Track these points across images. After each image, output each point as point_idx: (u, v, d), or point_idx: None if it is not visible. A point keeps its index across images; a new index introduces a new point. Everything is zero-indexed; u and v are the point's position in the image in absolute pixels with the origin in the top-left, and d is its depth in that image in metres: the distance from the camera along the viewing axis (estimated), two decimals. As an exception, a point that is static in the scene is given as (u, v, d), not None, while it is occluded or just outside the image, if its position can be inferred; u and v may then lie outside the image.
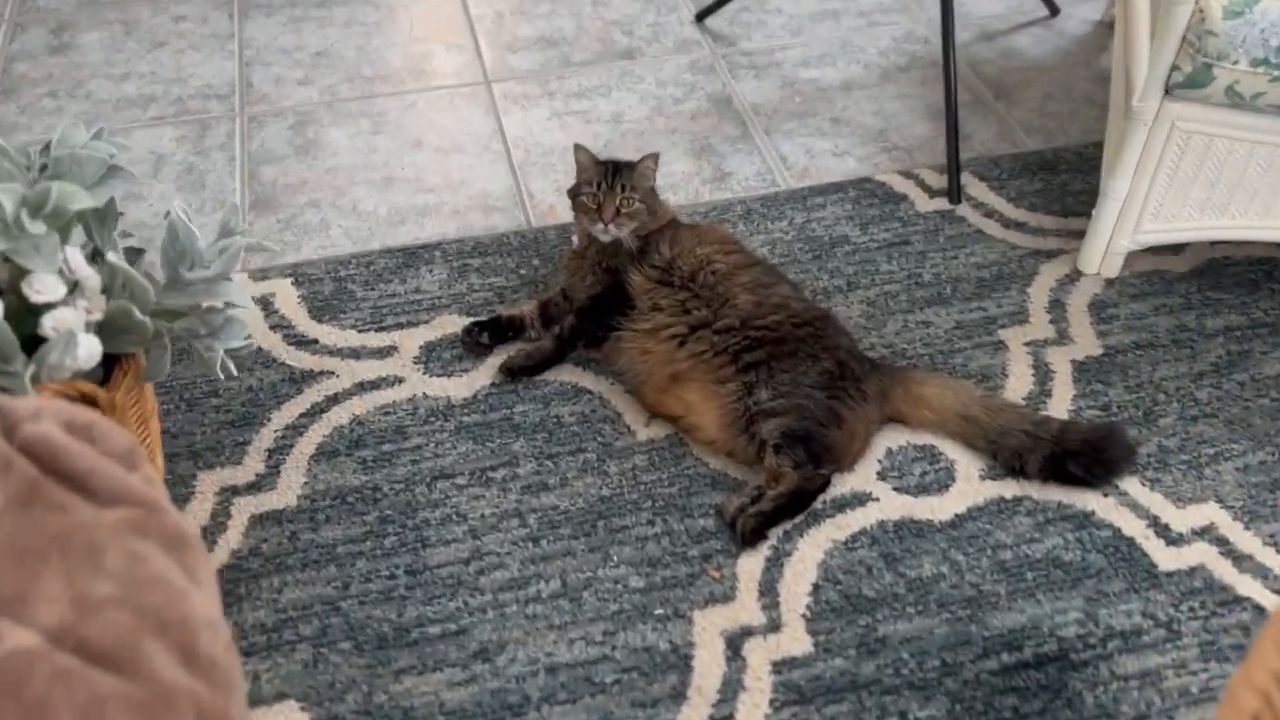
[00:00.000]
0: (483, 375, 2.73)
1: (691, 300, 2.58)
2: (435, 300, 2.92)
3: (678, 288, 2.59)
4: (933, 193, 3.23)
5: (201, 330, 1.90)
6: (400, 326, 2.83)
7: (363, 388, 2.65)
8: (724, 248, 2.68)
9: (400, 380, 2.70)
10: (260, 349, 2.64)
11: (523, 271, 2.99)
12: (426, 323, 2.85)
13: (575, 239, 2.85)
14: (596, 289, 2.60)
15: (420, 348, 2.79)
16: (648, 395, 2.61)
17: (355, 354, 2.71)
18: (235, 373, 1.99)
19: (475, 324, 2.75)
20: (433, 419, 2.61)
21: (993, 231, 3.10)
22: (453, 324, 2.85)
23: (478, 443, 2.55)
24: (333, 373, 2.59)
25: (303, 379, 2.57)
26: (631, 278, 2.56)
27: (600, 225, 2.53)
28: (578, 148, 2.58)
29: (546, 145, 3.25)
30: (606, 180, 2.52)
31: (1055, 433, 2.26)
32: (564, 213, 3.11)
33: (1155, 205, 2.61)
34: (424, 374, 2.72)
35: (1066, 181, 3.15)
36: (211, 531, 2.28)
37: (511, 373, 2.66)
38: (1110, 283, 2.82)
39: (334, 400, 2.54)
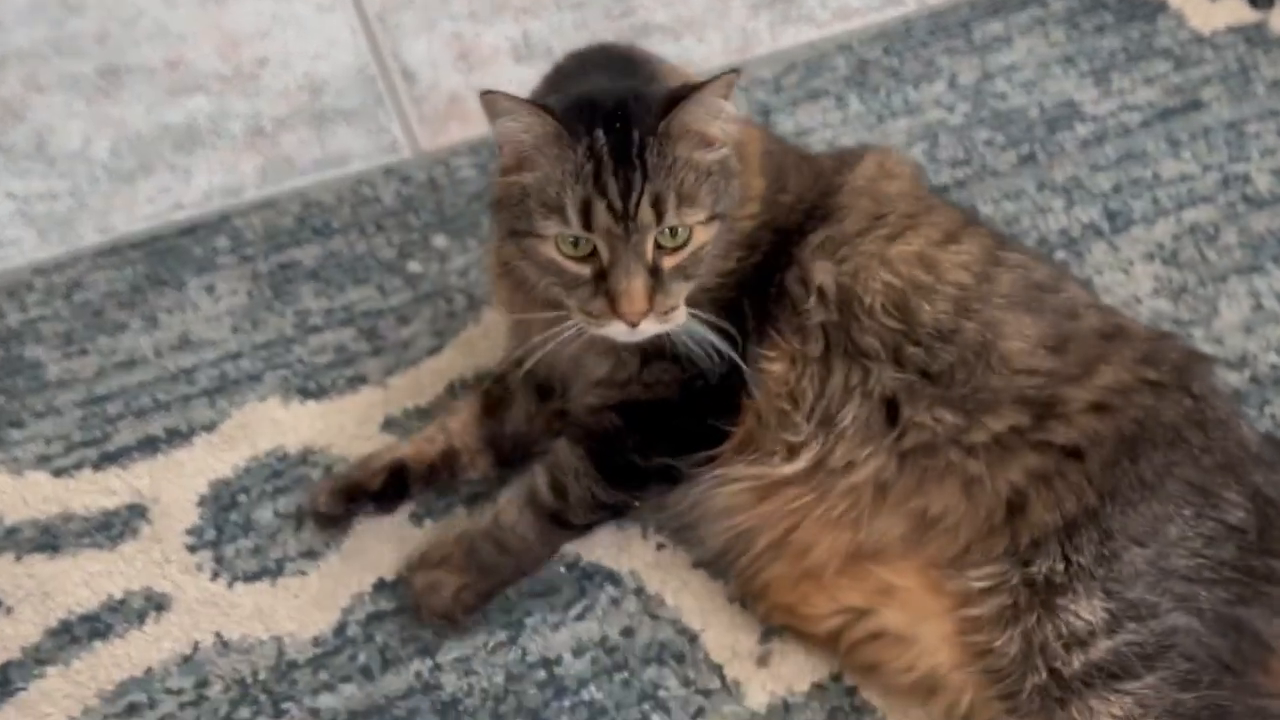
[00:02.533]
0: (355, 567, 1.15)
1: (898, 378, 1.03)
2: (224, 366, 1.30)
3: (855, 355, 1.05)
4: (1212, -12, 1.59)
5: None
6: (145, 450, 1.23)
7: (60, 636, 1.10)
8: (936, 222, 1.10)
9: (159, 604, 1.13)
10: None
11: (421, 284, 1.36)
12: (208, 430, 1.24)
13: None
14: (639, 392, 1.11)
15: (196, 503, 1.19)
16: (777, 586, 1.10)
17: (34, 542, 1.18)
18: None
19: (345, 483, 1.17)
20: (245, 704, 1.07)
21: (1355, 61, 1.51)
22: (270, 430, 1.24)
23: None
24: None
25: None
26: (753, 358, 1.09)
27: (616, 323, 1.00)
28: (492, 98, 0.98)
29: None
30: (610, 178, 0.97)
31: None
32: (476, 111, 1.45)
33: None
34: (212, 577, 1.15)
35: None
36: None
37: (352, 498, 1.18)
38: None
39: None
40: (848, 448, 1.03)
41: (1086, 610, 0.95)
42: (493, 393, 1.20)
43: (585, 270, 0.97)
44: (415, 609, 1.11)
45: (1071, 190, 1.43)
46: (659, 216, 0.95)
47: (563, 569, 1.16)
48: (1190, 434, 1.01)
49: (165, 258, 1.38)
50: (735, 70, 0.96)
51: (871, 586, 1.04)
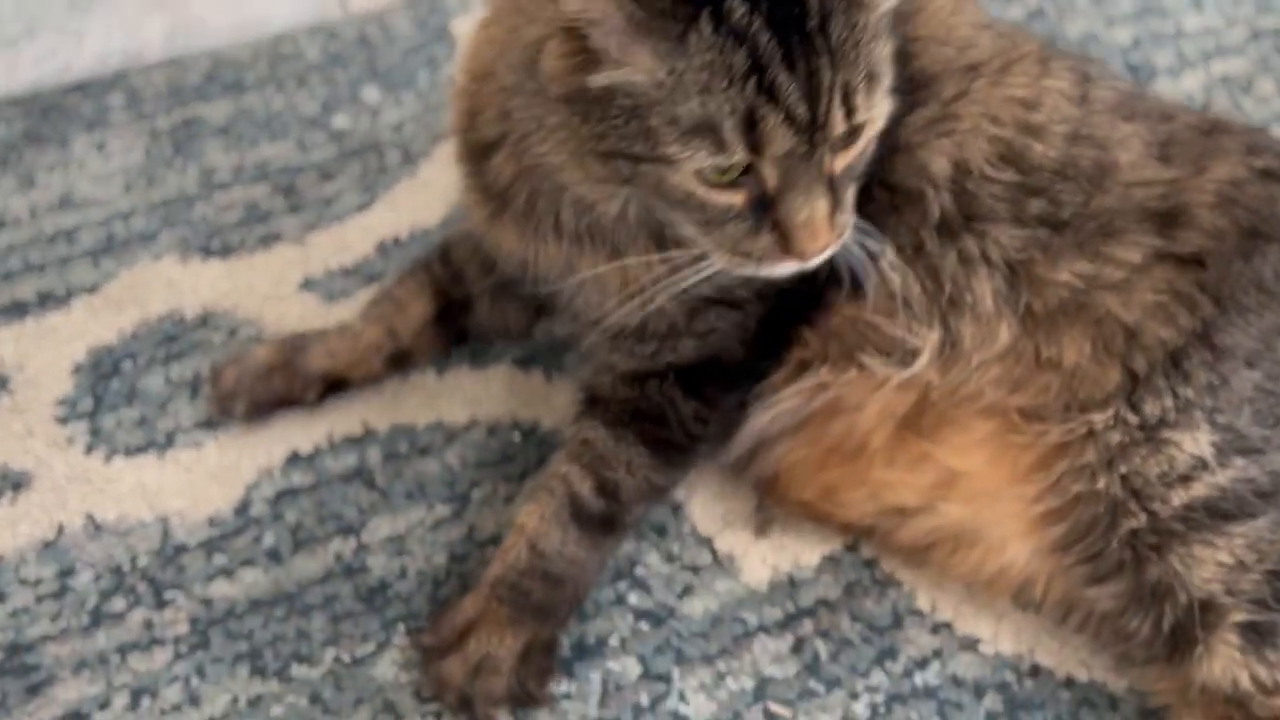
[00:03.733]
0: (263, 438, 0.94)
1: (1019, 235, 0.82)
2: (112, 226, 1.09)
3: (969, 228, 0.82)
4: None
5: None
6: (10, 315, 1.04)
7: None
8: (1025, 51, 0.87)
9: (17, 483, 0.92)
10: None
11: (349, 140, 1.18)
12: (90, 293, 1.03)
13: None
14: (692, 348, 0.86)
15: (71, 371, 0.98)
16: (794, 476, 0.89)
17: None
18: None
19: (267, 395, 0.95)
20: (119, 594, 0.85)
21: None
22: (164, 291, 1.04)
23: (256, 669, 0.83)
24: None
25: None
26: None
27: (787, 262, 0.72)
28: None
29: None
30: (783, 73, 0.66)
31: None
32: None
33: None
34: (85, 451, 0.94)
35: None
36: None
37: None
38: None
39: None
40: (975, 329, 0.82)
41: (1190, 443, 0.77)
42: (453, 294, 0.98)
43: (737, 199, 0.69)
44: (460, 708, 0.82)
45: (1087, 44, 1.27)
46: (849, 113, 0.68)
47: (517, 436, 0.96)
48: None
49: (49, 115, 1.18)
50: None
51: (928, 479, 0.84)
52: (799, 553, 0.90)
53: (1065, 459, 0.81)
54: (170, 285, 1.05)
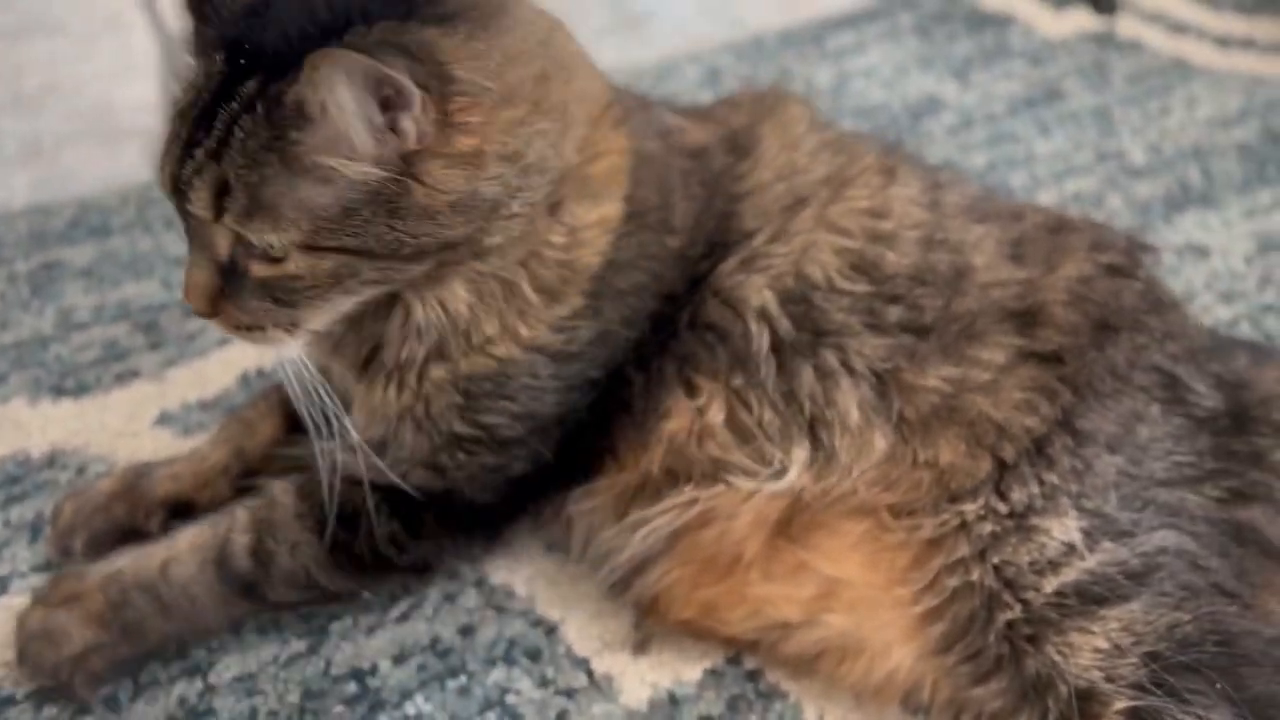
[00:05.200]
0: (101, 577, 0.88)
1: (880, 344, 0.83)
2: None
3: (822, 342, 0.83)
4: (1055, 3, 1.59)
5: None
6: None
7: None
8: (867, 165, 0.91)
9: None
10: None
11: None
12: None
13: None
14: (421, 474, 0.85)
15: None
16: (673, 596, 0.85)
17: None
18: None
19: (107, 525, 0.88)
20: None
21: (1205, 59, 1.49)
22: (10, 433, 0.99)
23: None
24: None
25: None
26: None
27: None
28: None
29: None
30: (185, 127, 0.71)
31: None
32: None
33: None
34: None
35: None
36: None
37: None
38: None
39: None
40: (848, 440, 0.81)
41: (1059, 529, 0.76)
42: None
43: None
44: (18, 657, 0.80)
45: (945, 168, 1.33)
46: (217, 211, 0.68)
47: (381, 563, 0.91)
48: (1149, 319, 0.86)
49: (-101, 263, 1.14)
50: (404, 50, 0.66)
51: (807, 591, 0.81)
52: (680, 669, 0.85)
53: (939, 554, 0.79)
54: (17, 427, 0.99)
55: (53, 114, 1.37)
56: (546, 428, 0.83)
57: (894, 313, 0.83)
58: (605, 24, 1.58)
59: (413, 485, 0.82)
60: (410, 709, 0.82)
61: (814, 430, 0.82)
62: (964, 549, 0.78)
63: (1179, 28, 1.58)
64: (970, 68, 1.49)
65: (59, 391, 1.02)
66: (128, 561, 0.81)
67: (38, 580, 0.88)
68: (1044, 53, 1.53)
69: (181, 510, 0.89)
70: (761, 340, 0.82)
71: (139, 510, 0.88)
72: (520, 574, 0.91)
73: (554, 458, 0.84)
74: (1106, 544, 0.76)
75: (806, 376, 0.82)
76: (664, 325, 0.84)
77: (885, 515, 0.81)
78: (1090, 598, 0.75)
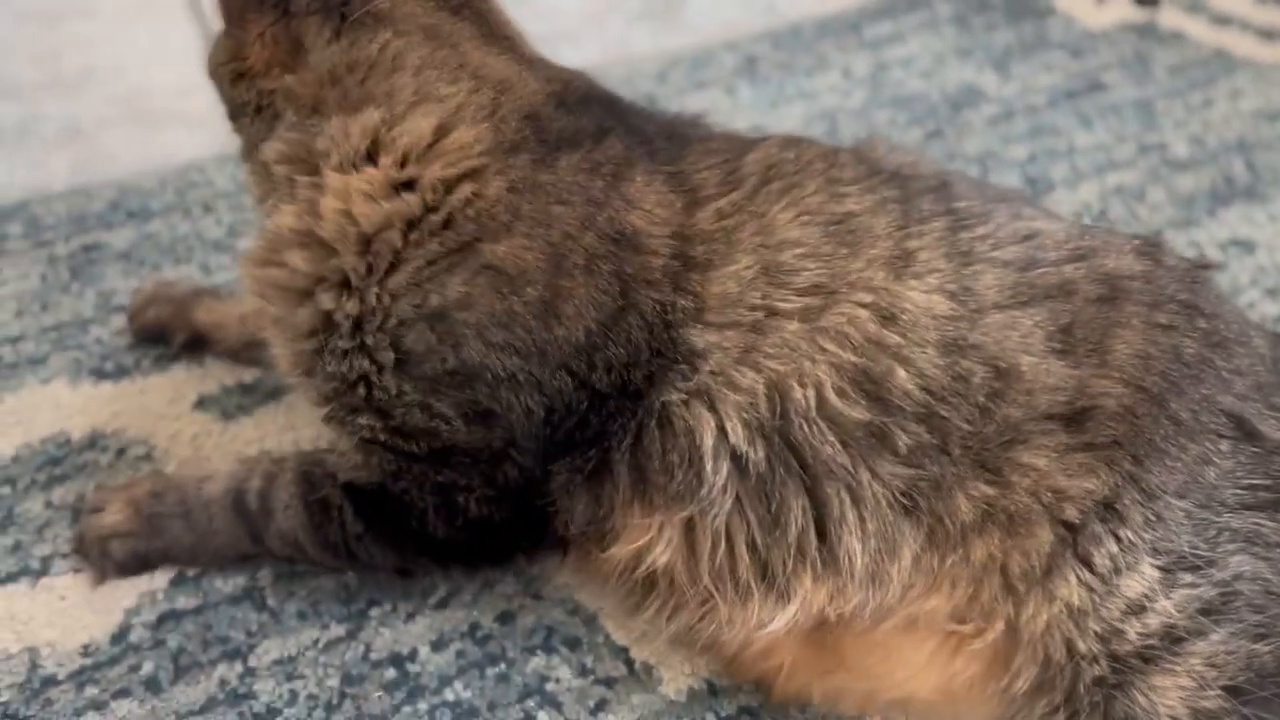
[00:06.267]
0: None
1: (900, 473, 0.75)
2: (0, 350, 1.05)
3: (815, 473, 0.76)
4: (1097, -6, 1.57)
5: None
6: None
7: None
8: (874, 236, 0.79)
9: None
10: None
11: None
12: (-32, 418, 0.99)
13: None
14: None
15: (-58, 499, 0.92)
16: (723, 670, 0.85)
17: None
18: None
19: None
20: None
21: (1248, 51, 1.47)
22: (51, 414, 0.99)
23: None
24: None
25: None
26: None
27: None
28: None
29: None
30: None
31: None
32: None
33: None
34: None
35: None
36: None
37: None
38: None
39: None
40: (864, 576, 0.75)
41: (1137, 578, 0.74)
42: None
43: None
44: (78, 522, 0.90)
45: (985, 160, 1.32)
46: None
47: (420, 549, 0.91)
48: (1212, 363, 0.80)
49: (-60, 244, 1.15)
50: None
51: (878, 703, 0.80)
52: (719, 660, 0.85)
53: (1022, 650, 0.75)
54: (57, 408, 1.00)
55: (92, 96, 1.38)
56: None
57: (909, 437, 0.74)
58: (638, 9, 1.57)
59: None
60: (449, 695, 0.82)
61: (818, 563, 0.76)
62: (1058, 636, 0.74)
63: (1222, 19, 1.56)
64: (1010, 58, 1.48)
65: (99, 374, 1.03)
66: (178, 468, 0.89)
67: (78, 561, 0.89)
68: (1085, 44, 1.51)
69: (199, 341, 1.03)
70: (717, 474, 0.75)
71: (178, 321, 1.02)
72: (557, 560, 0.90)
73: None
74: (1185, 578, 0.74)
75: (796, 502, 0.75)
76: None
77: (949, 625, 0.76)
78: (1173, 638, 0.73)
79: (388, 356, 0.76)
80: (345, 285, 0.77)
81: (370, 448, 0.81)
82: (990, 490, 0.74)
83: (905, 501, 0.74)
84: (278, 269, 0.80)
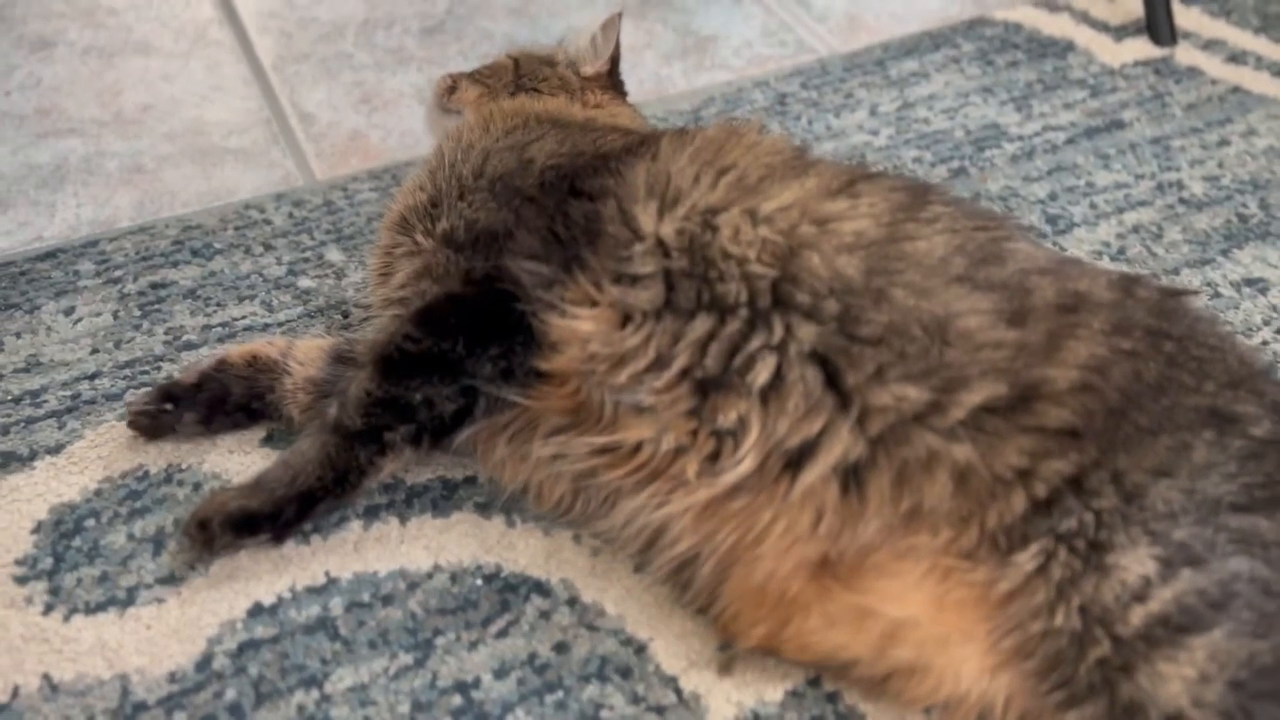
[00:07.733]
0: (225, 591, 0.94)
1: (819, 330, 0.89)
2: (78, 387, 1.12)
3: (733, 307, 0.91)
4: (1115, 32, 1.62)
5: None
6: (-29, 477, 1.03)
7: None
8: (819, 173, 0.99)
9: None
10: None
11: (314, 299, 1.22)
12: (53, 453, 1.05)
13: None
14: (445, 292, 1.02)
15: (31, 530, 0.99)
16: (737, 605, 0.91)
17: None
18: None
19: (164, 388, 1.06)
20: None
21: (1263, 88, 1.52)
22: (129, 450, 1.06)
23: None
24: None
25: None
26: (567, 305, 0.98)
27: None
28: None
29: (325, 21, 1.41)
30: None
31: None
32: (379, 145, 1.36)
33: None
34: (44, 611, 0.94)
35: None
36: None
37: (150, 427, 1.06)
38: None
39: None
40: (791, 422, 0.87)
41: (1135, 561, 0.80)
42: (341, 349, 1.08)
43: None
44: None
45: (1008, 199, 1.37)
46: None
47: (479, 581, 0.97)
48: (1179, 374, 0.87)
49: (17, 282, 1.21)
50: None
51: (875, 633, 0.86)
52: (763, 689, 0.90)
53: (1017, 601, 0.82)
54: (135, 444, 1.06)
55: (152, 133, 1.44)
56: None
57: (827, 306, 0.88)
58: (672, 49, 1.63)
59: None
60: (512, 721, 0.88)
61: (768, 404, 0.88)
62: (1041, 595, 0.81)
63: (1237, 57, 1.61)
64: (1031, 96, 1.53)
65: (173, 410, 1.09)
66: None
67: (163, 591, 0.95)
68: (1104, 81, 1.56)
69: (219, 368, 1.07)
70: (648, 264, 0.93)
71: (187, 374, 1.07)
72: (610, 594, 0.96)
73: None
74: (1185, 572, 0.79)
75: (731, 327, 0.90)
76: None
77: (938, 557, 0.84)
78: (1175, 626, 0.78)
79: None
80: None
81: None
82: (924, 397, 0.85)
83: (824, 362, 0.87)
84: None
